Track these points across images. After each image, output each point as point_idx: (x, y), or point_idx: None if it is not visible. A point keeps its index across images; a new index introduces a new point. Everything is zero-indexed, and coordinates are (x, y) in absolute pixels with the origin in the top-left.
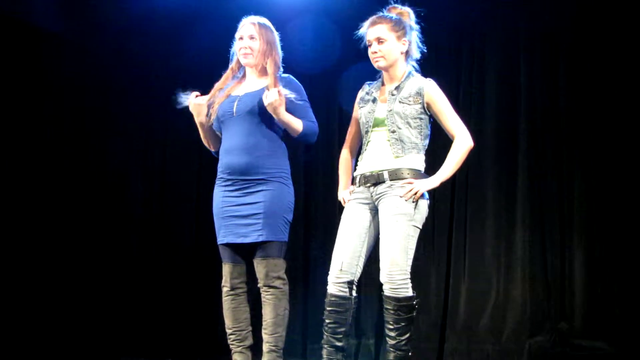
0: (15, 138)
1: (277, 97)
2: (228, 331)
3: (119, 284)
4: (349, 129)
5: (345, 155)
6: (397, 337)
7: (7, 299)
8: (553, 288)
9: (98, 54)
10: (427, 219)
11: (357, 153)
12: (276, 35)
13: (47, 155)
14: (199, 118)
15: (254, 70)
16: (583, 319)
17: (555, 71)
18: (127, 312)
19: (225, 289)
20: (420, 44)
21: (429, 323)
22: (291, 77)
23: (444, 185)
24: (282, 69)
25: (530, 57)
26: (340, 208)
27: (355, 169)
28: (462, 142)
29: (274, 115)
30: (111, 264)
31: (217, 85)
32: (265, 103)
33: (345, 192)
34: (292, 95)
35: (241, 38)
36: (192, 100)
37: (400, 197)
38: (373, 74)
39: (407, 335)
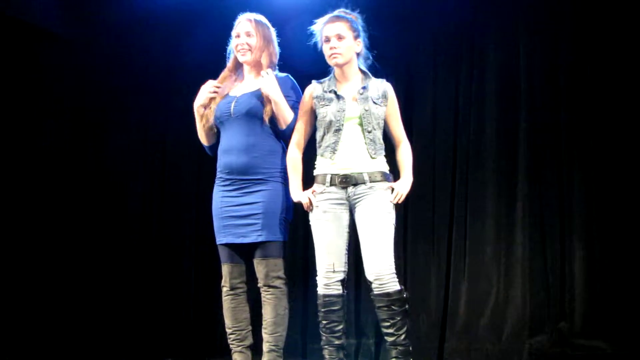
0: (15, 138)
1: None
2: (228, 331)
3: (119, 284)
4: (300, 126)
5: (296, 155)
6: (396, 333)
7: (6, 299)
8: (553, 288)
9: (98, 54)
10: (427, 218)
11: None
12: (273, 32)
13: (47, 156)
14: (201, 108)
15: (252, 70)
16: (583, 319)
17: (555, 71)
18: (127, 312)
19: (225, 289)
20: (367, 49)
21: (429, 323)
22: (289, 76)
23: (443, 185)
24: (277, 66)
25: (530, 56)
26: None
27: (315, 167)
28: (408, 147)
29: (270, 97)
30: (111, 264)
31: (216, 81)
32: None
33: (305, 194)
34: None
35: (238, 35)
36: (206, 90)
37: (390, 201)
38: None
39: (405, 328)
